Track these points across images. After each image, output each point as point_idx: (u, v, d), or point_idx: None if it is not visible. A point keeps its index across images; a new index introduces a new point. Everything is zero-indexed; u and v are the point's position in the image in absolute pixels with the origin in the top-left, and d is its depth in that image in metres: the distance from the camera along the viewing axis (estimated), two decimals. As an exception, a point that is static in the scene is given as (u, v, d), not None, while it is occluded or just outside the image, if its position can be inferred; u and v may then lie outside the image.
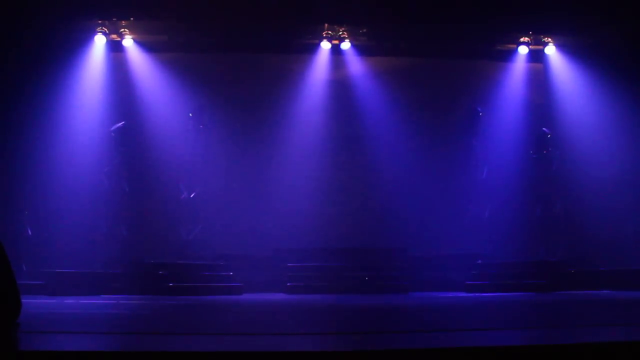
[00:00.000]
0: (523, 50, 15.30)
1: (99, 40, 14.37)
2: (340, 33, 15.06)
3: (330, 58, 15.41)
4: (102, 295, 11.31)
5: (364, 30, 15.09)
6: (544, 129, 15.30)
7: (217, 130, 15.18)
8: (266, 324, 6.51)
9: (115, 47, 14.63)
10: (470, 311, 8.14)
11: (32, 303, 7.30)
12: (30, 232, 13.47)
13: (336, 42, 15.17)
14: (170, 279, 12.15)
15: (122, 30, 14.49)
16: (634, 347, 3.68)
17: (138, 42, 14.68)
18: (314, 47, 15.29)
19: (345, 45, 15.17)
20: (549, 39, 15.17)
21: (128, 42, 14.59)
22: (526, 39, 15.15)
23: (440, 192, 15.22)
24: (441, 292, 12.98)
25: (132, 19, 14.20)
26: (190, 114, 15.20)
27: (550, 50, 15.26)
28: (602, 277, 12.80)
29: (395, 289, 12.84)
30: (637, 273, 12.61)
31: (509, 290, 12.31)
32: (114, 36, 14.53)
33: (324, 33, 15.06)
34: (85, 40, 14.22)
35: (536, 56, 15.46)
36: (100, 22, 14.24)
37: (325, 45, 15.20)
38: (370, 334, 5.11)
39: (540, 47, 15.31)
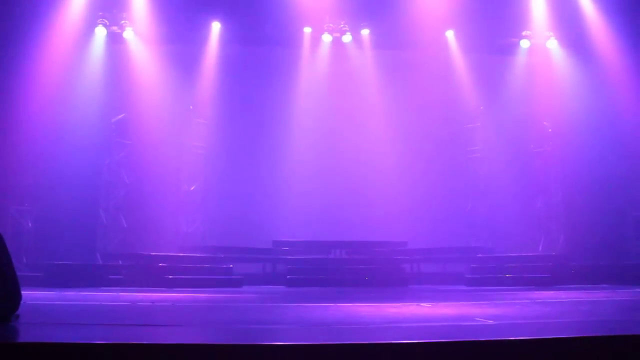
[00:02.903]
0: (525, 44, 15.26)
1: (100, 32, 14.33)
2: (342, 26, 15.05)
3: (331, 51, 15.39)
4: (102, 287, 11.31)
5: (365, 23, 15.08)
6: (544, 123, 15.29)
7: (218, 123, 15.17)
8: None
9: (115, 39, 14.56)
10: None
11: (32, 295, 7.29)
12: (30, 224, 13.48)
13: (337, 34, 15.16)
14: (170, 271, 12.14)
15: (123, 22, 14.42)
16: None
17: (139, 34, 14.62)
18: (316, 40, 15.29)
19: (347, 38, 15.16)
20: (551, 33, 15.11)
21: (129, 33, 14.52)
22: (528, 32, 15.10)
23: (441, 185, 15.23)
24: (441, 285, 13.00)
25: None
26: (191, 107, 15.21)
27: (552, 44, 15.20)
28: (601, 272, 12.79)
29: (395, 282, 12.84)
30: (636, 267, 12.60)
31: (509, 284, 12.31)
32: (114, 28, 14.46)
33: (325, 26, 15.04)
34: (86, 32, 14.16)
35: (538, 50, 15.39)
36: (101, 13, 14.19)
37: (327, 37, 15.17)
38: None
39: (542, 41, 15.24)
